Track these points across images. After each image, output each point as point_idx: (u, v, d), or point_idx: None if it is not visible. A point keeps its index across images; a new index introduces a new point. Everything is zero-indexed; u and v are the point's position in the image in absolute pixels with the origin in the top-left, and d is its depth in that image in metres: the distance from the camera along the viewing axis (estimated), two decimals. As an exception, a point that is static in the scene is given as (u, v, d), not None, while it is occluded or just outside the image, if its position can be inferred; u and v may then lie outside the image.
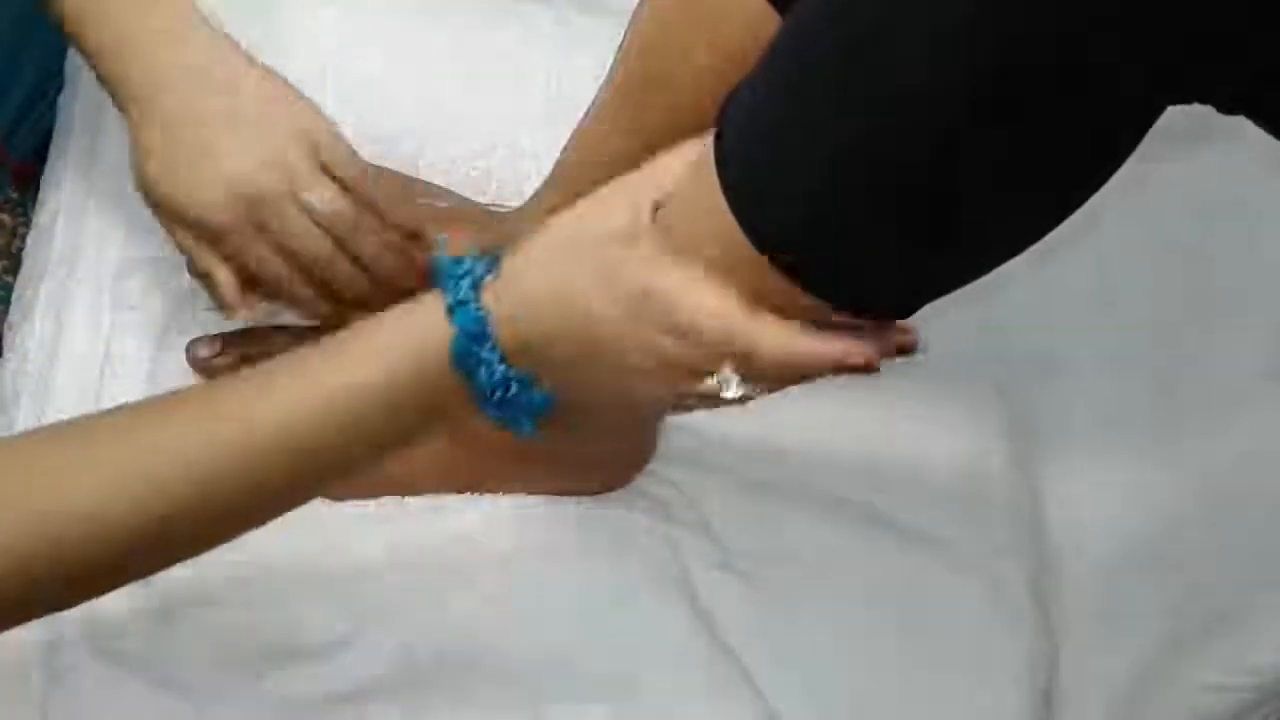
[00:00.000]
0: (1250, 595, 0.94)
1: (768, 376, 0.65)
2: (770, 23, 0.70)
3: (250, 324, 0.89)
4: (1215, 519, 0.96)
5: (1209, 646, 0.93)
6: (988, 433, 0.96)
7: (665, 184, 0.66)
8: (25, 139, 1.07)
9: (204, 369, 0.88)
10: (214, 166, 0.80)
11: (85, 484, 0.65)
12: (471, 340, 0.65)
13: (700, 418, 0.90)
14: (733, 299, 0.63)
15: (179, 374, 0.88)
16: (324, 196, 0.83)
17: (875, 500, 0.92)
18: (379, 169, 0.88)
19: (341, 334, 0.68)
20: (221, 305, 0.84)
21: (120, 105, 0.82)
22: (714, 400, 0.65)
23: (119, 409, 0.71)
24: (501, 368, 0.65)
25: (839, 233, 0.62)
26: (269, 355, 0.85)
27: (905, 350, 0.66)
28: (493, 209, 0.93)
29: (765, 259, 0.63)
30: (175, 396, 0.72)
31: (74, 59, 0.98)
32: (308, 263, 0.84)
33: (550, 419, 0.68)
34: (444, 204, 0.92)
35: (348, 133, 0.86)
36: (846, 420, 0.94)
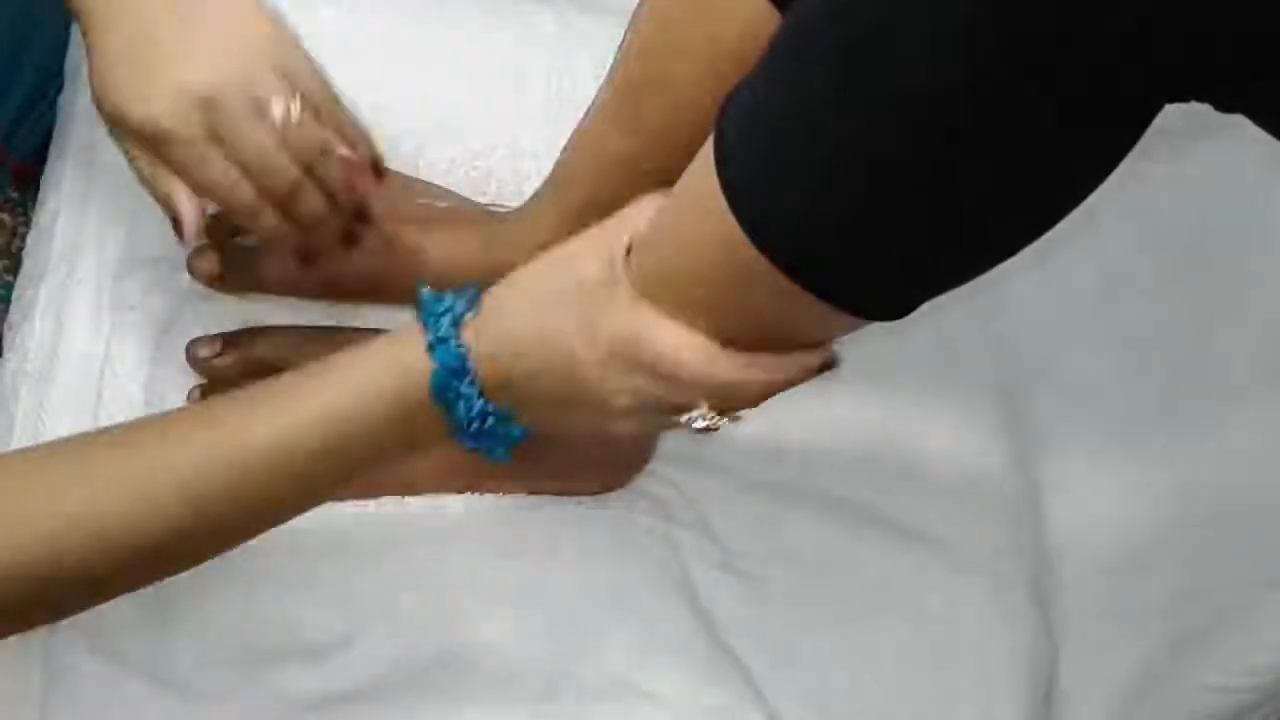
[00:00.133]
0: (1250, 595, 0.94)
1: (737, 407, 0.69)
2: (770, 23, 0.70)
3: (251, 324, 0.89)
4: (1215, 519, 0.96)
5: (1209, 646, 0.93)
6: (987, 433, 0.96)
7: (630, 232, 0.69)
8: (25, 139, 1.06)
9: (204, 369, 0.88)
10: (169, 71, 0.77)
11: (83, 502, 0.67)
12: (451, 376, 0.69)
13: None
14: (708, 342, 0.67)
15: (179, 374, 0.88)
16: (286, 107, 0.79)
17: (875, 500, 0.92)
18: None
19: (330, 359, 0.71)
20: (179, 235, 0.80)
21: (85, 32, 0.79)
22: (683, 429, 0.70)
23: (115, 428, 0.73)
24: (480, 402, 0.69)
25: (839, 232, 0.62)
26: (269, 355, 0.87)
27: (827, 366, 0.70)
28: (493, 209, 0.93)
29: (765, 258, 0.63)
30: (170, 416, 0.75)
31: (74, 59, 0.98)
32: (260, 175, 0.79)
33: (524, 448, 0.72)
34: (444, 204, 0.92)
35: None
36: (846, 420, 0.94)
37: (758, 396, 0.70)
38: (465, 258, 0.88)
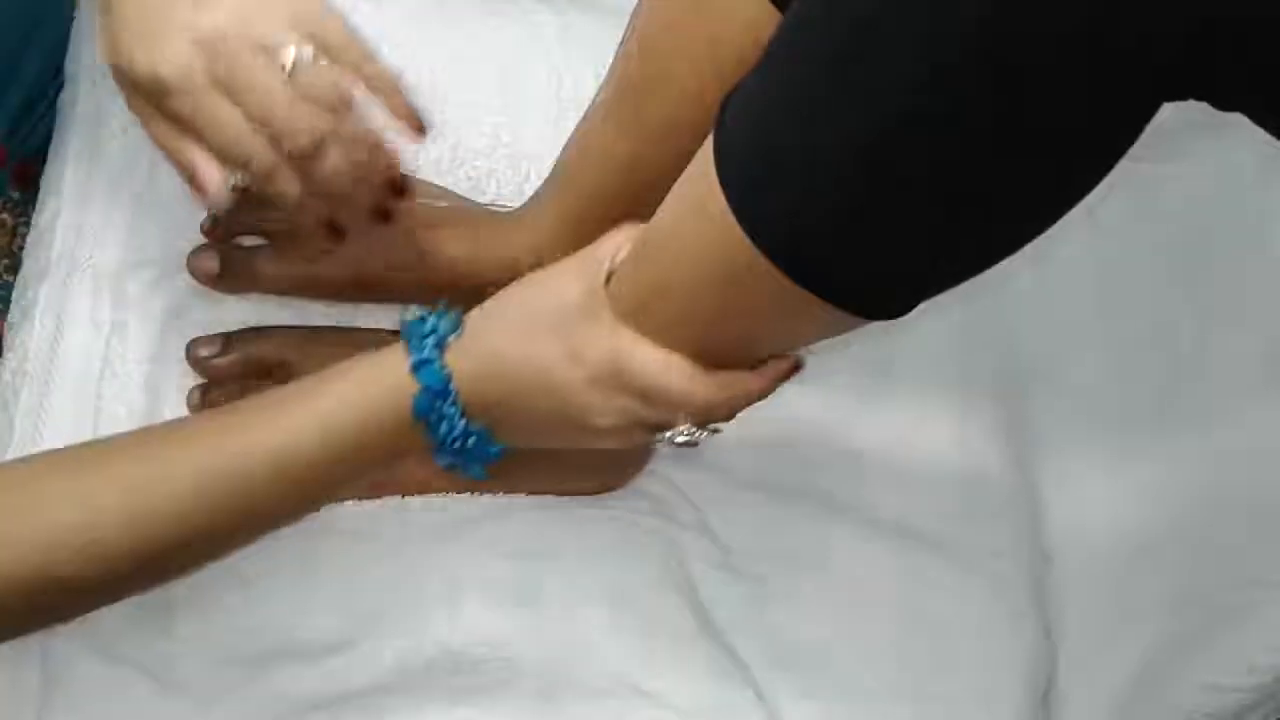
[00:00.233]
0: (1250, 595, 0.94)
1: (717, 420, 0.72)
2: (770, 22, 0.70)
3: (251, 324, 0.89)
4: (1215, 519, 0.96)
5: (1208, 646, 0.93)
6: (987, 433, 0.96)
7: (610, 258, 0.72)
8: (25, 139, 1.06)
9: (204, 369, 0.88)
10: (172, 17, 0.73)
11: (79, 513, 0.68)
12: (434, 397, 0.71)
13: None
14: (689, 363, 0.70)
15: (179, 374, 0.88)
16: (296, 52, 0.73)
17: (875, 500, 0.92)
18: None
19: (318, 375, 0.73)
20: (200, 191, 0.75)
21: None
22: (665, 444, 0.73)
23: (111, 439, 0.74)
24: (462, 422, 0.71)
25: (838, 232, 0.62)
26: (269, 355, 0.87)
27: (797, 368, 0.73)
28: (493, 209, 0.93)
29: (765, 258, 0.63)
30: (163, 429, 0.77)
31: (74, 59, 0.98)
32: (272, 125, 0.73)
33: (524, 449, 0.74)
34: (444, 204, 0.92)
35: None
36: (846, 421, 0.94)
37: (736, 410, 0.73)
38: (465, 257, 0.88)
